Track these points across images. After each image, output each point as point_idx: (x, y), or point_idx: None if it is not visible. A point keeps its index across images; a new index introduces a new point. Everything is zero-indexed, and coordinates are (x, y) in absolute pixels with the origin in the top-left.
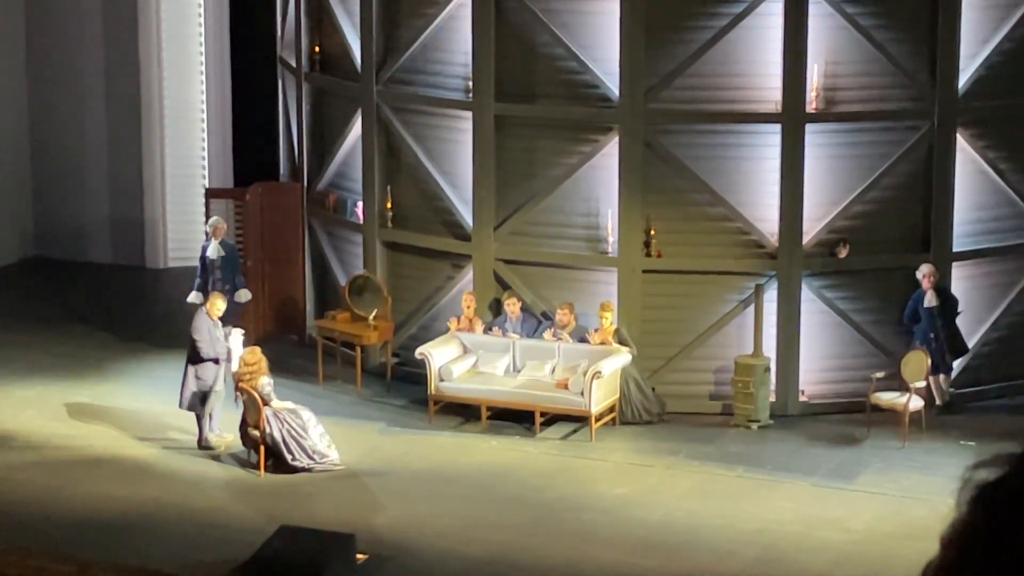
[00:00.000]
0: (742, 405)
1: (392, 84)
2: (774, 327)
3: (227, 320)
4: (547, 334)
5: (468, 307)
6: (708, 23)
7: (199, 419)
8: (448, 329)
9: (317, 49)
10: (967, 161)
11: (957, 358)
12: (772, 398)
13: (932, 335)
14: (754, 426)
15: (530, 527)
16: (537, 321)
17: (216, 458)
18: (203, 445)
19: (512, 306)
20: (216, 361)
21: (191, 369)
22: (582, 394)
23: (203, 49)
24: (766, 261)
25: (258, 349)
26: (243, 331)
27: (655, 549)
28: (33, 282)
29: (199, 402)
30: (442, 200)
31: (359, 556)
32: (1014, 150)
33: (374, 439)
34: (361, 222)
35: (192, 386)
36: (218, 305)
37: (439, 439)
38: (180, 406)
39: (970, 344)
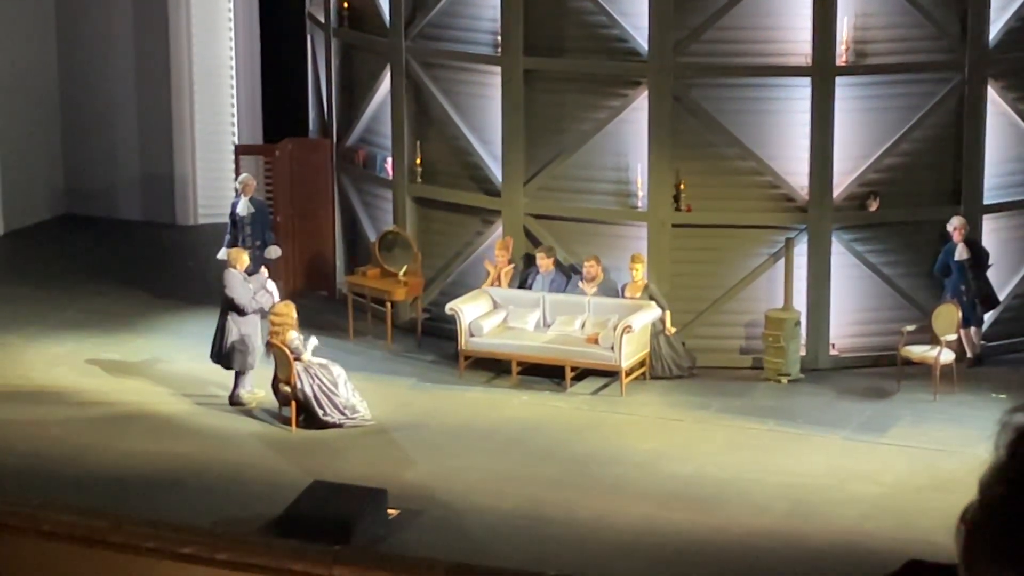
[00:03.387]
0: (772, 359)
1: (421, 39)
2: (804, 281)
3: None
4: (580, 283)
5: (500, 258)
6: None
7: (237, 375)
8: (487, 274)
9: (346, 4)
10: (998, 113)
11: (988, 311)
12: (803, 352)
13: (963, 288)
14: (784, 380)
15: (560, 481)
16: (567, 277)
17: (248, 414)
18: (234, 401)
19: (542, 260)
20: (260, 312)
21: (232, 324)
22: (612, 349)
23: (232, 5)
24: (796, 215)
25: (292, 303)
26: (267, 277)
27: (686, 502)
28: (64, 239)
29: (243, 359)
30: (471, 155)
31: (390, 511)
32: None
33: (405, 394)
34: (390, 178)
35: (237, 344)
36: (243, 259)
37: (469, 394)
38: (213, 360)
39: (1001, 297)
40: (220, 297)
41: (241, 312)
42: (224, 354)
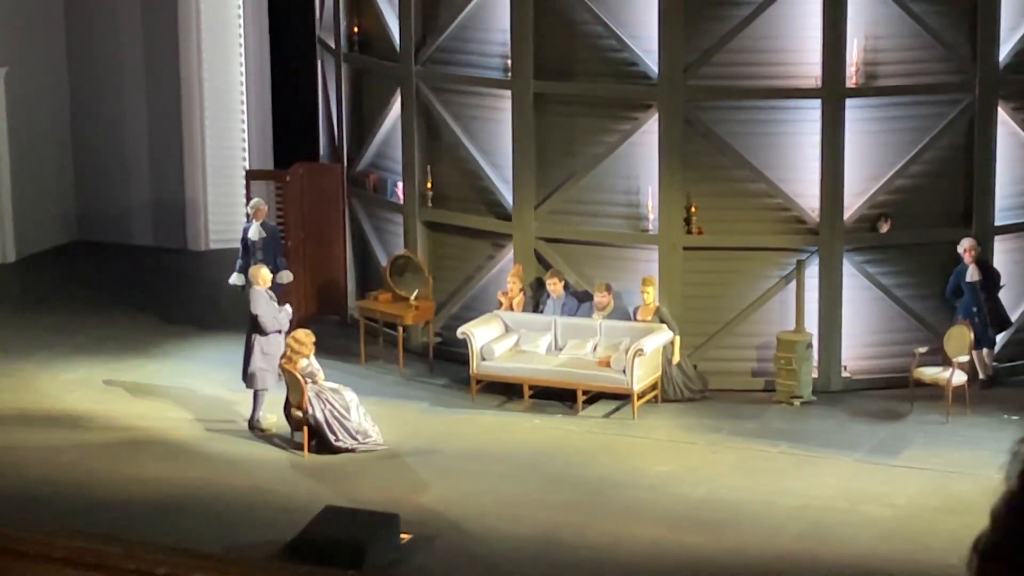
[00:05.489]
0: (784, 381)
1: (431, 64)
2: (816, 303)
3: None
4: (595, 315)
5: (513, 286)
6: None
7: (256, 398)
8: (500, 304)
9: (356, 29)
10: (1008, 134)
11: (1000, 332)
12: (814, 374)
13: (975, 309)
14: (797, 402)
15: (573, 505)
16: (578, 302)
17: (260, 439)
18: (254, 425)
19: (554, 285)
20: (281, 332)
21: (256, 344)
22: (624, 372)
23: (242, 31)
24: (807, 237)
25: (311, 334)
26: (291, 310)
27: (698, 525)
28: (76, 265)
29: (263, 378)
30: (482, 179)
31: (403, 535)
32: None
33: (417, 419)
34: (401, 202)
35: (260, 363)
36: (264, 275)
37: (481, 418)
38: (247, 385)
39: (1013, 318)
40: (247, 317)
41: (262, 331)
42: (247, 373)
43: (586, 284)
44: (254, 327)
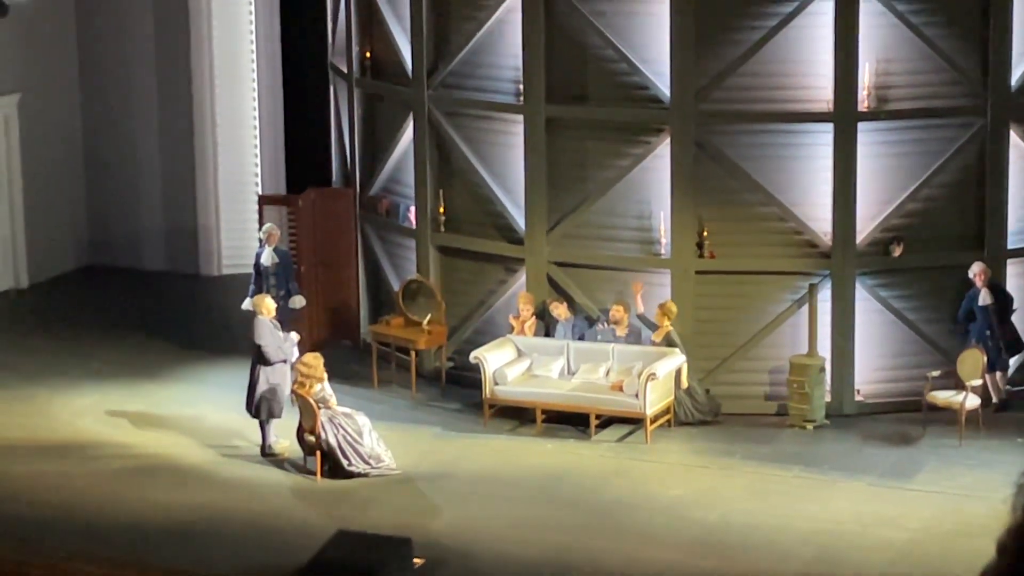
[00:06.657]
0: (797, 405)
1: (443, 88)
2: (828, 327)
3: (283, 326)
4: (599, 326)
5: (524, 310)
6: (758, 23)
7: (263, 426)
8: (512, 329)
9: (368, 54)
10: (1020, 158)
11: (1013, 355)
12: (827, 398)
13: (988, 333)
14: (810, 426)
15: (586, 529)
16: (587, 323)
17: (272, 463)
18: (267, 453)
19: (556, 308)
20: (285, 362)
21: (262, 374)
22: (637, 396)
23: (254, 56)
24: (820, 260)
25: (320, 356)
26: (298, 337)
27: (712, 549)
28: (88, 290)
29: (269, 408)
30: (494, 204)
31: (416, 560)
32: None
33: (429, 443)
34: (414, 227)
35: (265, 392)
36: (268, 305)
37: (494, 442)
38: (250, 413)
39: None
40: (251, 346)
41: (266, 360)
42: (253, 403)
43: (596, 308)
44: (258, 357)
